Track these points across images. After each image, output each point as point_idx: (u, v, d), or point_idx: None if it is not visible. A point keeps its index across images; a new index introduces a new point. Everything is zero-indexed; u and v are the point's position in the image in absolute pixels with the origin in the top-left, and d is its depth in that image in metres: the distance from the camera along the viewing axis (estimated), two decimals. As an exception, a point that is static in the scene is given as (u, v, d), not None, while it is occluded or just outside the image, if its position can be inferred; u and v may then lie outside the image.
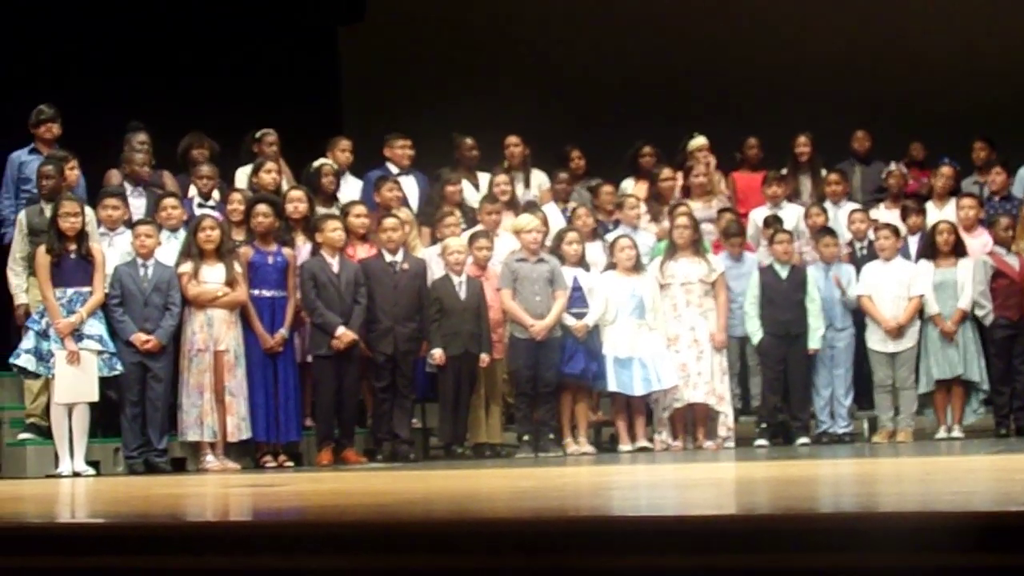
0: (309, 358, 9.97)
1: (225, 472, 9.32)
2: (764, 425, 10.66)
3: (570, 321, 10.25)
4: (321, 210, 10.40)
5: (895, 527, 3.40)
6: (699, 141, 11.92)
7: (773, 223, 11.07)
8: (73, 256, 9.22)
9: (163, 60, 12.75)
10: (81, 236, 9.24)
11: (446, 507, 4.93)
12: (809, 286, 10.63)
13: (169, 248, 9.80)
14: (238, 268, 9.67)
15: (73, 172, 9.98)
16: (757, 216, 11.41)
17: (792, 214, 11.35)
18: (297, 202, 10.20)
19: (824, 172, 11.78)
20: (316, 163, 10.86)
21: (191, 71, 12.95)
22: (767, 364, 10.67)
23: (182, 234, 9.87)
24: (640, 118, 13.07)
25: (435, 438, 10.58)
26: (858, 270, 10.82)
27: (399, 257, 10.10)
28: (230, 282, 9.60)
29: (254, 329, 9.70)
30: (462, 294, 10.10)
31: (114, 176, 10.49)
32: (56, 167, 9.76)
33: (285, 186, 10.66)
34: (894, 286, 10.67)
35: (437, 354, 10.01)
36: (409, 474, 8.25)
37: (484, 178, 11.54)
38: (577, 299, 10.33)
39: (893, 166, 11.83)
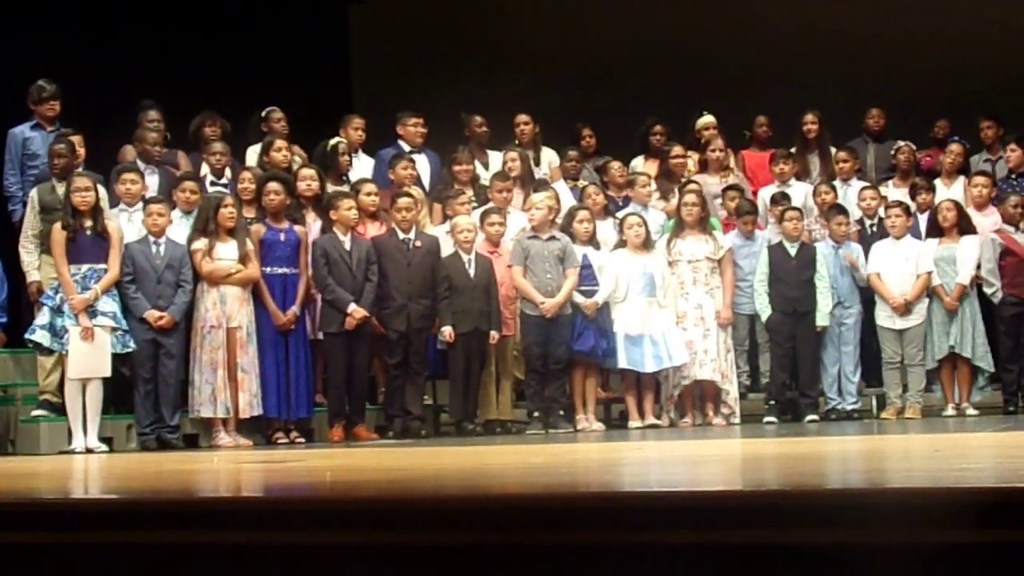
0: (320, 335, 10.00)
1: (237, 448, 9.37)
2: (773, 402, 10.68)
3: (580, 299, 10.28)
4: (331, 188, 10.42)
5: (903, 503, 3.42)
6: (706, 119, 11.93)
7: (781, 200, 11.08)
8: (88, 233, 9.26)
9: (173, 38, 12.73)
10: (96, 212, 9.28)
11: (457, 483, 4.96)
12: (818, 264, 10.64)
13: (180, 226, 9.83)
14: (250, 245, 9.71)
15: (80, 149, 10.01)
16: (765, 194, 11.42)
17: (800, 192, 11.36)
18: (310, 180, 10.24)
19: (833, 150, 11.78)
20: (331, 141, 10.86)
21: (202, 50, 12.93)
22: (776, 341, 10.69)
23: (193, 212, 9.91)
24: (650, 96, 13.05)
25: (446, 415, 10.62)
26: (867, 248, 10.83)
27: (412, 235, 10.12)
28: (242, 259, 9.64)
29: (266, 306, 9.75)
30: (471, 272, 10.13)
31: (128, 152, 10.51)
32: (68, 145, 9.80)
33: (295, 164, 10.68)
34: (902, 263, 10.69)
35: (447, 331, 10.04)
36: (420, 450, 8.29)
37: (494, 156, 11.55)
38: (587, 277, 10.36)
39: (901, 143, 11.81)
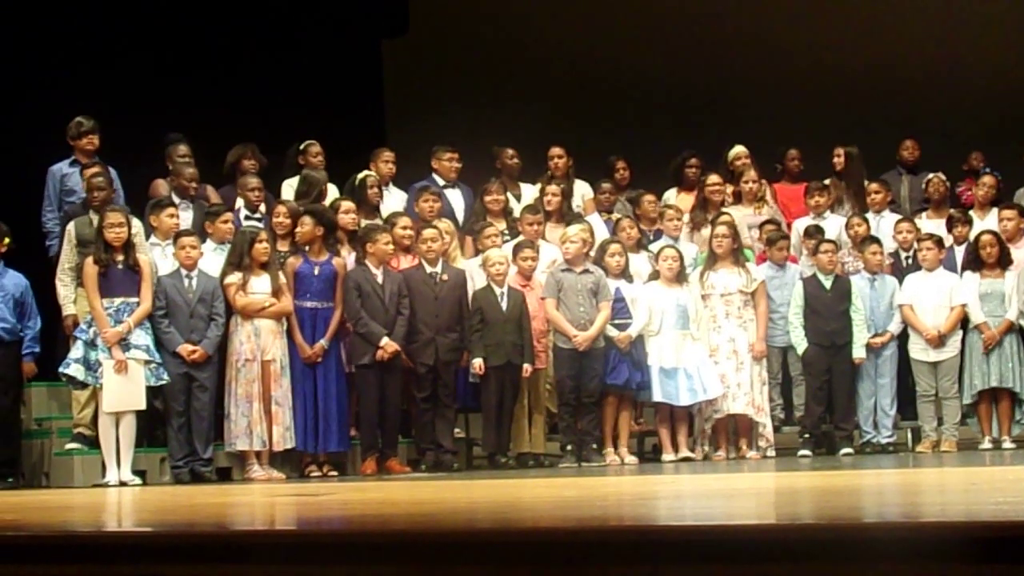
0: (352, 368, 10.01)
1: (270, 482, 9.37)
2: (807, 435, 10.63)
3: (613, 332, 10.26)
4: (365, 221, 10.44)
5: (939, 537, 3.40)
6: (738, 150, 11.92)
7: (815, 233, 11.05)
8: (120, 266, 9.31)
9: (205, 71, 12.83)
10: (128, 246, 9.34)
11: (489, 516, 4.94)
12: (854, 296, 10.60)
13: (212, 259, 9.87)
14: (283, 278, 9.75)
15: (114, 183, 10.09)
16: (799, 226, 11.38)
17: (834, 225, 11.32)
18: (352, 212, 10.28)
19: (867, 182, 11.74)
20: (360, 175, 10.90)
21: (234, 83, 13.03)
22: (811, 374, 10.64)
23: (225, 245, 9.95)
24: (681, 130, 13.06)
25: (479, 448, 10.60)
26: (902, 280, 10.79)
27: (439, 268, 10.14)
28: (276, 292, 9.67)
29: (295, 339, 9.77)
30: (504, 305, 10.13)
31: (161, 187, 10.56)
32: (106, 178, 9.88)
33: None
34: (936, 295, 10.64)
35: (477, 364, 10.04)
36: (452, 483, 8.27)
37: (526, 188, 11.56)
38: (620, 310, 10.33)
39: (932, 175, 11.77)
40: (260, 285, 9.67)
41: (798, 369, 10.78)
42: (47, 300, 9.87)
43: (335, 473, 9.83)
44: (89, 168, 10.07)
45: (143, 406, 9.27)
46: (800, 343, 10.62)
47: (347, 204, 10.41)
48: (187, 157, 10.66)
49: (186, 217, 10.21)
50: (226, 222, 10.04)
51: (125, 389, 9.19)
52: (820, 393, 10.62)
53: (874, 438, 10.59)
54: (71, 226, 9.80)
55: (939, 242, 10.79)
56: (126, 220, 9.43)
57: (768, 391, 10.58)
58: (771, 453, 10.43)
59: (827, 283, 10.64)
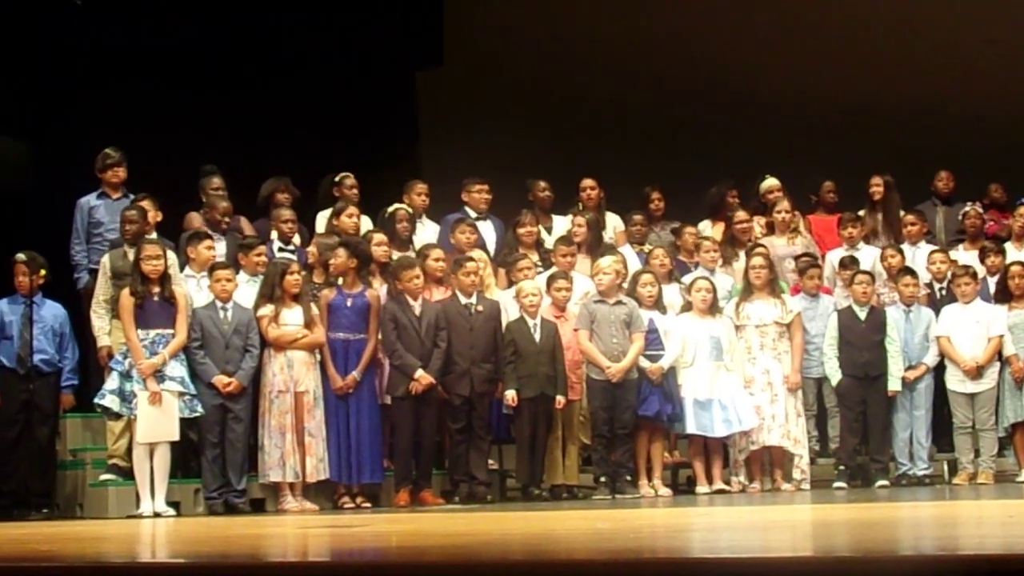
0: (388, 399, 10.02)
1: (304, 513, 9.38)
2: (843, 467, 10.57)
3: (645, 364, 10.24)
4: (397, 254, 10.46)
5: (976, 570, 3.37)
6: (770, 182, 11.91)
7: (850, 264, 11.02)
8: (156, 299, 9.35)
9: (238, 104, 12.90)
10: (164, 279, 9.38)
11: (523, 548, 4.93)
12: (889, 327, 10.56)
13: (247, 290, 9.90)
14: (315, 310, 9.77)
15: (154, 215, 10.14)
16: (833, 257, 11.35)
17: (869, 255, 11.29)
18: (384, 245, 10.32)
19: (902, 213, 11.71)
20: (391, 208, 10.92)
21: (267, 115, 13.09)
22: (846, 406, 10.59)
23: (258, 277, 9.98)
24: (713, 161, 13.03)
25: (512, 479, 10.58)
26: (937, 311, 10.74)
27: (474, 299, 10.15)
28: (308, 324, 9.69)
29: (327, 371, 9.79)
30: (537, 336, 10.12)
31: (195, 220, 10.62)
32: (140, 211, 9.93)
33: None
34: (972, 327, 10.59)
35: (510, 396, 10.03)
36: (486, 515, 8.26)
37: (558, 220, 11.57)
38: (653, 341, 10.31)
39: (969, 207, 11.72)
40: (292, 317, 9.69)
41: (833, 401, 10.73)
42: (79, 331, 9.92)
43: (368, 505, 9.83)
44: (135, 201, 10.13)
45: (176, 437, 9.30)
46: (834, 374, 10.58)
47: (379, 236, 10.44)
48: (221, 190, 10.72)
49: (219, 248, 10.27)
50: (260, 255, 10.08)
51: (159, 420, 9.22)
52: (855, 425, 10.57)
53: (910, 470, 10.53)
54: (106, 258, 9.86)
55: (975, 275, 10.75)
56: (163, 252, 9.48)
57: (804, 422, 10.54)
58: (806, 485, 10.37)
59: (862, 314, 10.60)
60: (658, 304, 10.44)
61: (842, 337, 10.57)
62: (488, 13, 15.09)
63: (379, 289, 10.16)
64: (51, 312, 9.79)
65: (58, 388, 9.80)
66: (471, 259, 10.29)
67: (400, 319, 9.92)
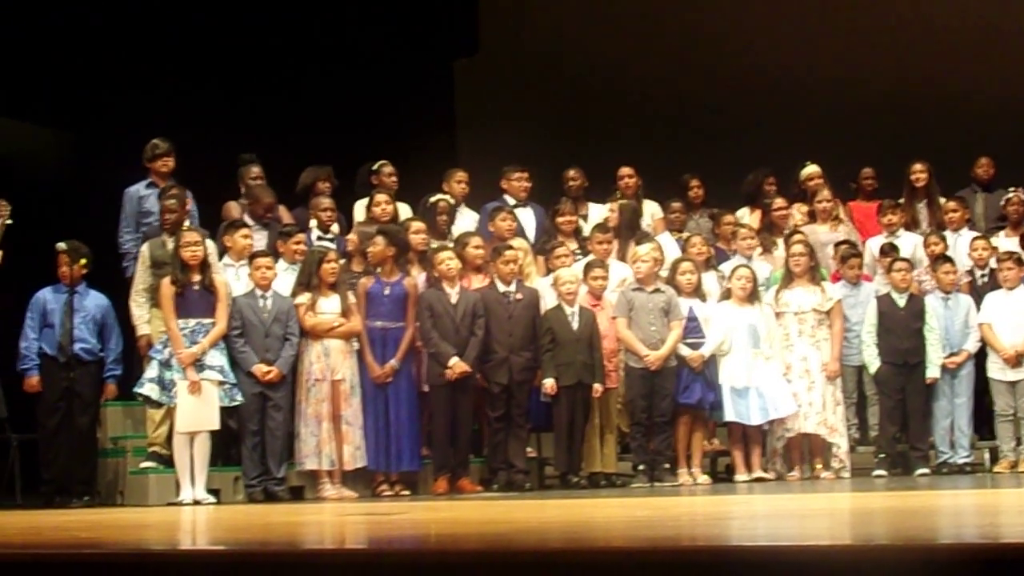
0: (426, 387, 10.03)
1: (342, 500, 9.40)
2: (883, 455, 10.52)
3: (686, 351, 10.21)
4: (436, 243, 10.47)
5: (1019, 558, 3.35)
6: (811, 169, 11.85)
7: (889, 251, 10.96)
8: (196, 287, 9.39)
9: (277, 94, 12.94)
10: (204, 267, 9.42)
11: (561, 536, 4.93)
12: (928, 314, 10.50)
13: (284, 279, 9.93)
14: (352, 299, 9.79)
15: (189, 205, 10.19)
16: (873, 245, 11.29)
17: (909, 243, 11.22)
18: (422, 233, 10.32)
19: (942, 200, 11.63)
20: (432, 198, 10.92)
21: (305, 104, 13.14)
22: (885, 393, 10.54)
23: (297, 265, 10.00)
24: (752, 148, 12.98)
25: (550, 467, 10.58)
26: (979, 299, 10.67)
27: (512, 287, 10.14)
28: (345, 312, 9.71)
29: (365, 359, 9.80)
30: (574, 324, 10.11)
31: (233, 209, 10.65)
32: (179, 200, 9.97)
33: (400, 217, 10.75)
34: (1015, 314, 10.51)
35: (548, 384, 10.03)
36: (524, 503, 8.26)
37: (594, 208, 11.55)
38: (692, 329, 10.29)
39: (1012, 192, 11.63)
40: (329, 305, 9.72)
41: (873, 388, 10.68)
42: (125, 320, 9.98)
43: (407, 492, 9.85)
44: (166, 190, 10.17)
45: (217, 426, 9.34)
46: (873, 362, 10.53)
47: (417, 224, 10.45)
48: (260, 179, 10.76)
49: (259, 237, 10.30)
50: (299, 243, 10.11)
51: (199, 409, 9.27)
52: (894, 413, 10.52)
53: (951, 458, 10.47)
54: (145, 247, 9.91)
55: (1019, 260, 10.67)
56: (202, 240, 9.52)
57: (843, 411, 10.50)
58: (846, 473, 10.33)
59: (901, 301, 10.55)
60: (697, 292, 10.41)
61: (881, 324, 10.52)
62: (524, 2, 15.07)
63: (417, 277, 10.17)
64: (94, 302, 9.84)
65: (100, 377, 9.85)
66: (510, 247, 10.29)
67: (436, 307, 9.92)
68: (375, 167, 11.20)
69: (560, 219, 11.06)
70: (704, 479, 10.27)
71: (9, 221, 9.17)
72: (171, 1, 12.50)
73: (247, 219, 10.41)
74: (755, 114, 13.84)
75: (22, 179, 11.61)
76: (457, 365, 9.84)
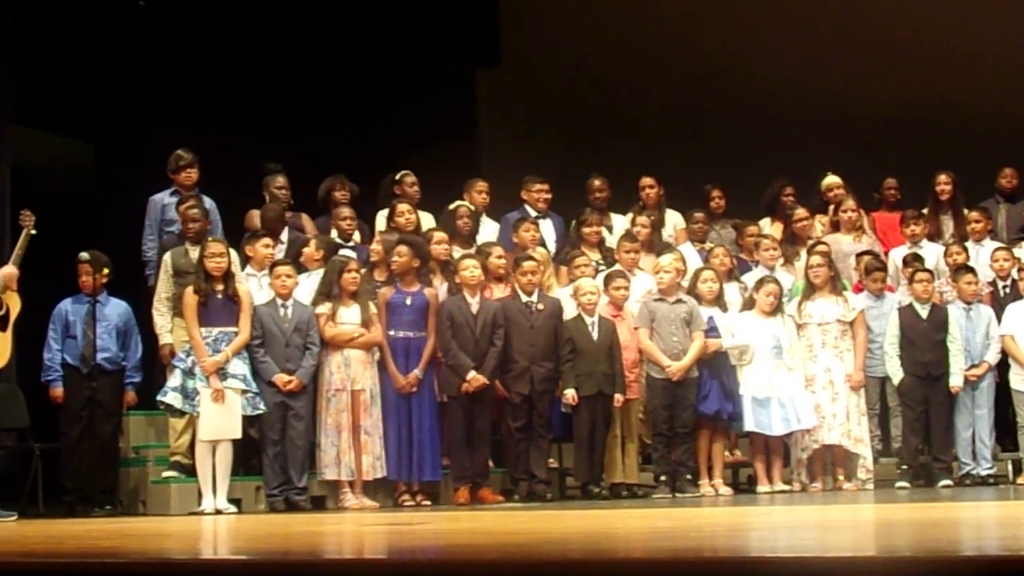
0: (445, 398, 10.04)
1: (363, 510, 9.40)
2: (905, 467, 10.49)
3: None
4: (458, 251, 10.48)
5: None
6: (831, 180, 11.83)
7: (912, 262, 10.93)
8: (220, 296, 9.41)
9: (298, 103, 12.97)
10: (227, 277, 9.44)
11: (582, 547, 4.92)
12: (951, 325, 10.47)
13: (307, 287, 9.94)
14: (373, 309, 9.79)
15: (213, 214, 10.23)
16: (897, 255, 11.27)
17: (932, 253, 11.19)
18: (444, 243, 10.33)
19: (966, 210, 11.60)
20: (452, 205, 10.95)
21: (327, 114, 13.17)
22: (908, 405, 10.51)
23: (316, 273, 10.01)
24: (775, 159, 12.96)
25: (572, 478, 10.57)
26: (1000, 310, 10.63)
27: (534, 297, 10.14)
28: (365, 322, 9.72)
29: (387, 369, 9.81)
30: (595, 335, 10.10)
31: (255, 218, 10.68)
32: (201, 210, 10.01)
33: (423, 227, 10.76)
34: (1037, 325, 10.47)
35: (569, 394, 10.02)
36: (545, 513, 8.25)
37: (617, 219, 11.54)
38: (711, 338, 10.28)
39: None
40: (349, 315, 9.72)
41: (896, 400, 10.65)
42: (147, 329, 10.01)
43: (428, 502, 9.85)
44: (185, 200, 10.20)
45: (239, 435, 9.36)
46: (896, 373, 10.50)
47: (440, 235, 10.46)
48: (284, 189, 10.79)
49: (280, 246, 10.31)
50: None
51: (222, 418, 9.28)
52: (917, 424, 10.49)
53: (973, 469, 10.43)
54: (167, 256, 9.94)
55: (1041, 271, 10.65)
56: (226, 250, 9.55)
57: (867, 422, 10.47)
58: (869, 485, 10.30)
59: (923, 312, 10.52)
60: (718, 300, 10.40)
61: (904, 336, 10.49)
62: (545, 12, 15.07)
63: (439, 287, 10.17)
64: (115, 310, 9.87)
65: (122, 385, 9.89)
66: (531, 257, 10.30)
67: (456, 317, 9.92)
68: (397, 177, 11.23)
69: (587, 230, 11.07)
70: (726, 490, 10.25)
71: (34, 231, 9.19)
72: (194, 11, 12.54)
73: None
74: (778, 124, 13.82)
75: (44, 190, 11.66)
76: (475, 379, 9.84)
